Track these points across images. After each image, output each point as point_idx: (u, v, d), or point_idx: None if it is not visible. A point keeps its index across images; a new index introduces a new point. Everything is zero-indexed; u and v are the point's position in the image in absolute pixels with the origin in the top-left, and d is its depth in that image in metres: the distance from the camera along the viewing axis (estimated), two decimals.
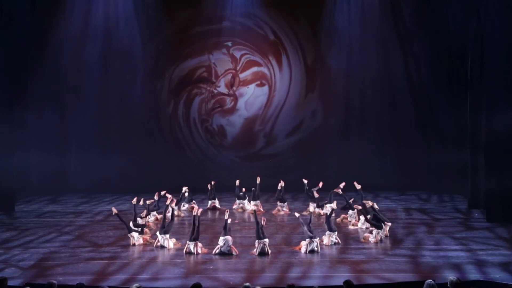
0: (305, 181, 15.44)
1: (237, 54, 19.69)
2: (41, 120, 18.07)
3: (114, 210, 12.58)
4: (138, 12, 19.03)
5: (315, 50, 19.52)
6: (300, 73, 19.61)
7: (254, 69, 19.74)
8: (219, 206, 15.94)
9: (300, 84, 19.62)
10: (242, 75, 19.76)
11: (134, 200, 13.52)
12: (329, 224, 11.87)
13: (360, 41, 19.01)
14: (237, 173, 17.64)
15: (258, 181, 15.61)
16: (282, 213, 15.16)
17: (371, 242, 11.81)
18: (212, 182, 16.15)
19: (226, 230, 11.11)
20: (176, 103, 19.82)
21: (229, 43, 19.61)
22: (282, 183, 15.43)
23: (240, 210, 15.63)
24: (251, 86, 19.76)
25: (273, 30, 19.53)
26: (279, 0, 19.52)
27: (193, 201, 15.98)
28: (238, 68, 19.74)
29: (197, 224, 11.28)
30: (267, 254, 10.91)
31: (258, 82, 19.73)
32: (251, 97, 19.78)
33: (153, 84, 19.78)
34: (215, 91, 19.77)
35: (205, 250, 11.19)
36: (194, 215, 11.48)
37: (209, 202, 15.99)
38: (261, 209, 15.34)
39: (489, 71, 14.06)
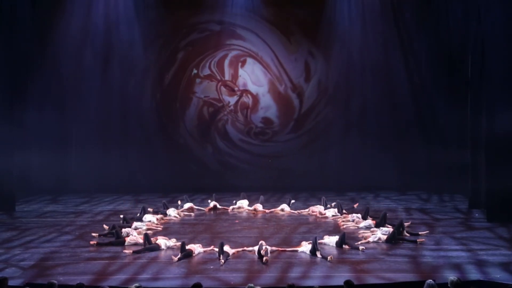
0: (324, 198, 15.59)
1: (206, 71, 19.78)
2: (41, 120, 18.03)
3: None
4: (138, 12, 19.03)
5: (276, 5, 19.49)
6: (266, 28, 19.57)
7: (226, 61, 19.78)
8: (219, 206, 15.94)
9: (274, 35, 19.60)
10: (227, 75, 19.81)
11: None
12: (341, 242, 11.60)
13: (360, 41, 19.00)
14: (296, 150, 19.42)
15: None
16: (283, 213, 15.18)
17: (371, 242, 11.80)
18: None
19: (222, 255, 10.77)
20: (212, 143, 19.95)
21: (194, 71, 19.75)
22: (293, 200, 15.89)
23: (238, 209, 15.65)
24: (240, 71, 19.83)
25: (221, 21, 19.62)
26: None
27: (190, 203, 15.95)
28: (218, 76, 19.81)
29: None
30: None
31: (240, 63, 19.81)
32: (251, 75, 19.84)
33: (153, 84, 19.84)
34: (231, 107, 19.84)
35: (208, 250, 11.18)
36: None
37: (211, 203, 15.98)
38: (262, 209, 15.37)
39: (490, 71, 14.06)
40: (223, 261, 10.36)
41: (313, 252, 10.83)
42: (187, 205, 15.68)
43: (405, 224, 12.62)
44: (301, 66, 19.72)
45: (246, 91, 19.87)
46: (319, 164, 19.45)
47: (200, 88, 19.86)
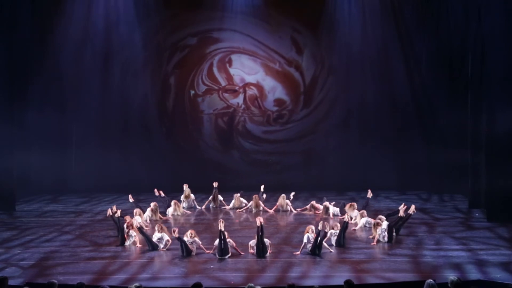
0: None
1: (201, 87, 19.84)
2: (41, 119, 18.05)
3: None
4: (138, 12, 19.05)
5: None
6: (240, 20, 19.52)
7: (214, 69, 19.84)
8: (221, 198, 16.14)
9: (250, 23, 19.57)
10: (221, 81, 19.84)
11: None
12: (340, 239, 11.56)
13: (361, 41, 19.01)
14: (316, 126, 19.63)
15: (262, 189, 15.99)
16: (285, 203, 15.32)
17: (379, 241, 11.82)
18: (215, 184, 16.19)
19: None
20: (238, 147, 20.03)
21: (192, 92, 19.82)
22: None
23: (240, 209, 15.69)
24: (231, 70, 19.88)
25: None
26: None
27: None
28: (215, 86, 19.83)
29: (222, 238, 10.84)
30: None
31: (227, 64, 19.85)
32: (243, 68, 19.87)
33: (154, 83, 19.85)
34: (242, 106, 19.92)
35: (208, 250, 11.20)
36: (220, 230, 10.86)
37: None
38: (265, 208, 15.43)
39: (489, 71, 14.06)
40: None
41: (313, 252, 10.83)
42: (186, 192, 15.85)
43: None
44: (288, 41, 19.68)
45: (246, 85, 19.90)
46: (319, 164, 19.45)
47: (205, 105, 19.93)
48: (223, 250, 10.74)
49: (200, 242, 11.23)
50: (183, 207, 15.58)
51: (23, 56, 17.16)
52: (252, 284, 7.59)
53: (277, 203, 15.50)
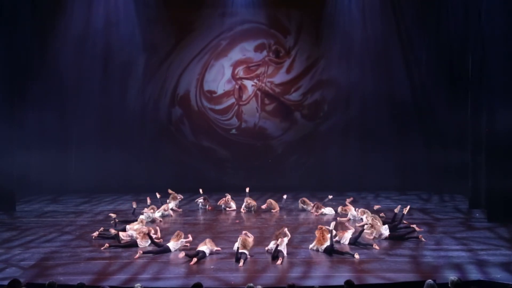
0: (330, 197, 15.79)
1: (232, 122, 19.82)
2: (41, 120, 18.06)
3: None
4: (139, 12, 19.03)
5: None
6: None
7: (215, 108, 19.84)
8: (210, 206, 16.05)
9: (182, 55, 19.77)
10: (225, 103, 19.85)
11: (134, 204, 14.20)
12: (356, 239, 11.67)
13: (361, 41, 19.00)
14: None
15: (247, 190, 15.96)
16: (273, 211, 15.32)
17: (375, 237, 11.90)
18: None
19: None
20: (294, 103, 19.83)
21: (233, 131, 19.85)
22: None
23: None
24: (218, 91, 19.83)
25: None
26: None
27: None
28: (234, 109, 19.83)
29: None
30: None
31: (212, 95, 19.88)
32: (217, 76, 19.80)
33: (154, 82, 19.88)
34: (254, 80, 19.82)
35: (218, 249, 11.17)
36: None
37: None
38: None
39: (490, 71, 14.07)
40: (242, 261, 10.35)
41: (329, 251, 10.84)
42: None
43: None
44: (216, 21, 19.59)
45: (234, 76, 19.79)
46: (319, 165, 19.44)
47: (250, 120, 19.86)
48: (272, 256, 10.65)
49: (216, 248, 11.13)
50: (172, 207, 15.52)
51: (23, 56, 17.16)
52: (252, 284, 7.59)
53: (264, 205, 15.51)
